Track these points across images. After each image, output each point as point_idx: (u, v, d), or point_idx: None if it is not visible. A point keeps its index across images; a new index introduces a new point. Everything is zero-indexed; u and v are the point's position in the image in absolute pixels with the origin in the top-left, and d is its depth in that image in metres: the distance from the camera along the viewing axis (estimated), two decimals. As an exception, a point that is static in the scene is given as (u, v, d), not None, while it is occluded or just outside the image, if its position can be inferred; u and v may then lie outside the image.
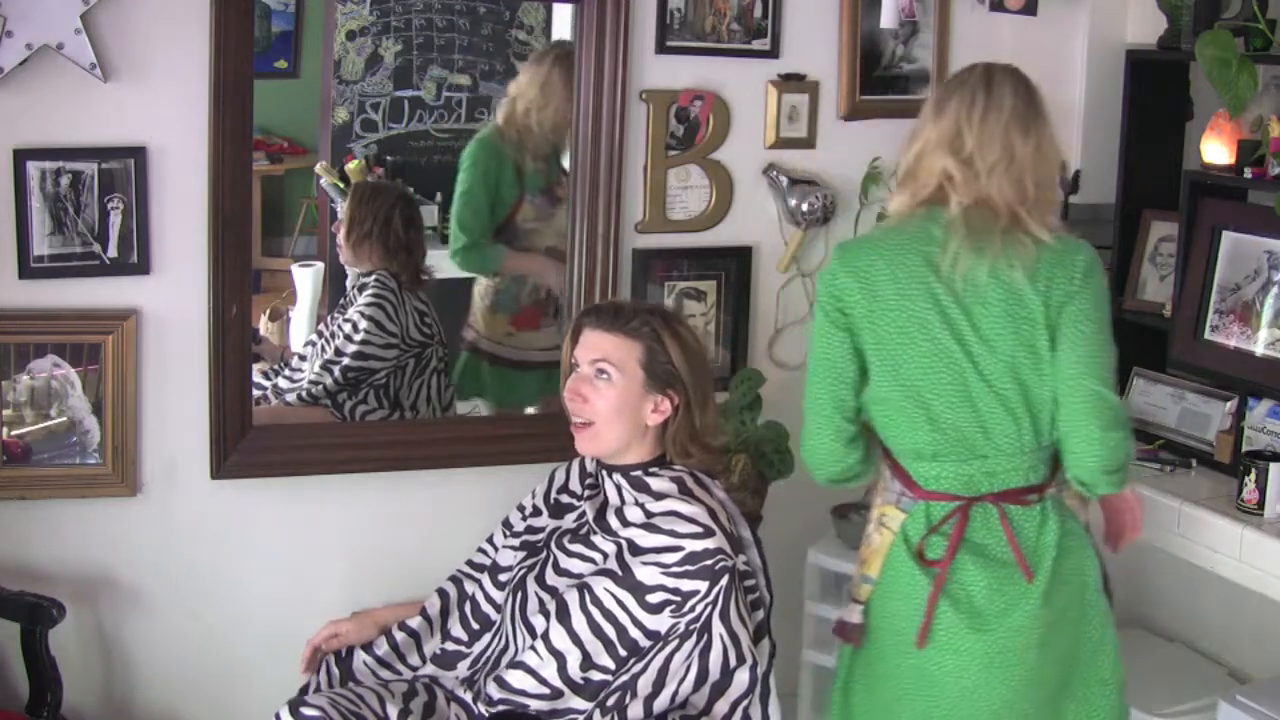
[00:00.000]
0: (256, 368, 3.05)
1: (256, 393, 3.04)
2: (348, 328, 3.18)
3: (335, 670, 2.60)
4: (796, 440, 3.09)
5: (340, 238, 3.20)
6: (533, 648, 2.37)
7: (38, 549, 2.86)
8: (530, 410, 3.38)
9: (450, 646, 2.59)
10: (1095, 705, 2.55)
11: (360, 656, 2.61)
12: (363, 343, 3.17)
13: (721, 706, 2.38)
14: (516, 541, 2.60)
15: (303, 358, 3.22)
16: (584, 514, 2.52)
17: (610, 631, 2.34)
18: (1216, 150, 3.10)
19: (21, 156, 2.71)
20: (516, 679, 2.36)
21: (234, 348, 2.86)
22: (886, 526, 2.50)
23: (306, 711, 2.32)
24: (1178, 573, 3.25)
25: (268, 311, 3.23)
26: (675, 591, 2.32)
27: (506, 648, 2.50)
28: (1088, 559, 2.52)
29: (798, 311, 3.41)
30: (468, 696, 2.48)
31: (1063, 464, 2.45)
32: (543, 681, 2.35)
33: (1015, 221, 2.39)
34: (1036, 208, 2.42)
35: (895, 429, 2.45)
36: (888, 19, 3.19)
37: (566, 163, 3.16)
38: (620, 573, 2.35)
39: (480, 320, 3.36)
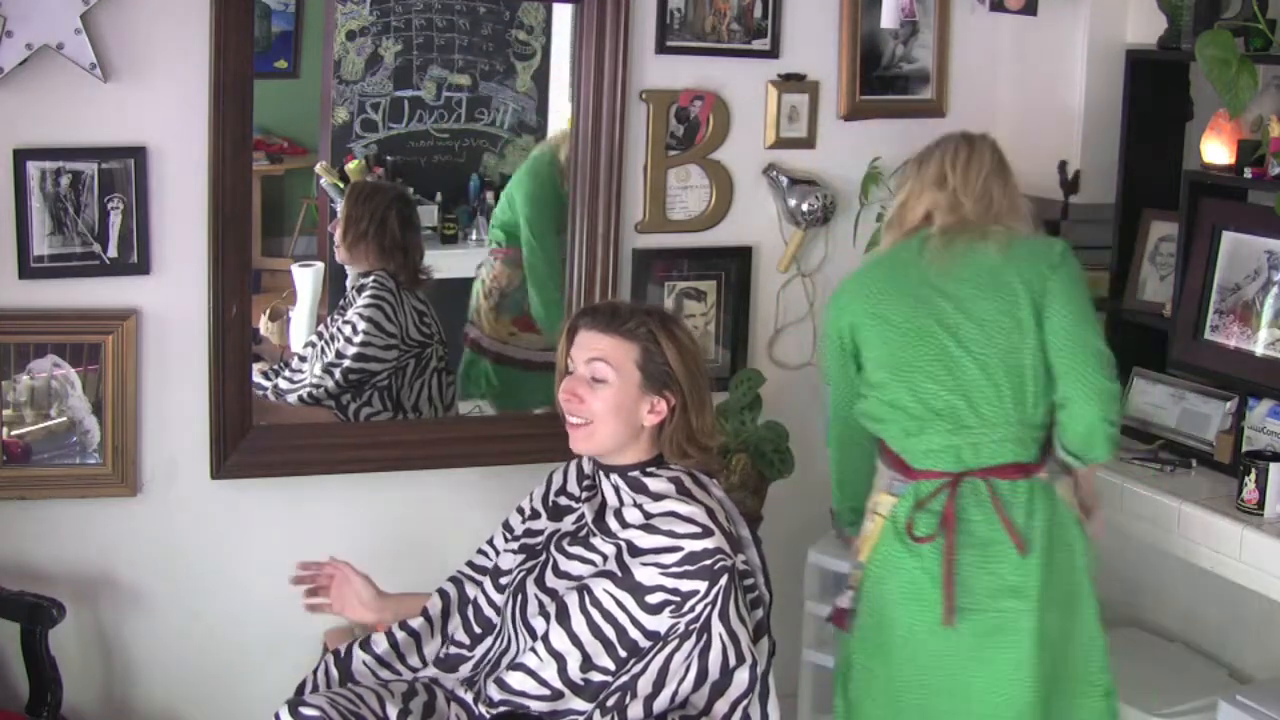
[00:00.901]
0: (256, 368, 3.06)
1: (257, 393, 3.04)
2: (347, 330, 3.18)
3: (334, 670, 2.60)
4: (796, 440, 3.11)
5: (337, 237, 3.20)
6: (533, 649, 2.37)
7: (38, 549, 2.87)
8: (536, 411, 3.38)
9: (452, 650, 2.59)
10: (1082, 706, 2.60)
11: (360, 656, 2.61)
12: (363, 344, 3.16)
13: (721, 706, 2.38)
14: (516, 545, 2.60)
15: (303, 358, 3.22)
16: (582, 516, 2.52)
17: (610, 632, 2.34)
18: (1216, 150, 3.10)
19: (21, 156, 2.72)
20: (517, 680, 2.36)
21: (234, 348, 2.86)
22: (878, 514, 2.62)
23: (306, 711, 2.31)
24: (1178, 573, 3.24)
25: (268, 311, 3.23)
26: (675, 592, 2.32)
27: (508, 649, 2.50)
28: (1079, 548, 2.59)
29: (798, 311, 3.41)
30: (468, 696, 2.48)
31: (1057, 436, 2.56)
32: (543, 683, 2.35)
33: (983, 221, 2.62)
34: (1024, 225, 2.67)
35: (887, 413, 2.60)
36: (888, 19, 3.18)
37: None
38: (620, 574, 2.35)
39: (484, 320, 3.36)
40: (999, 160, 2.68)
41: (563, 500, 2.60)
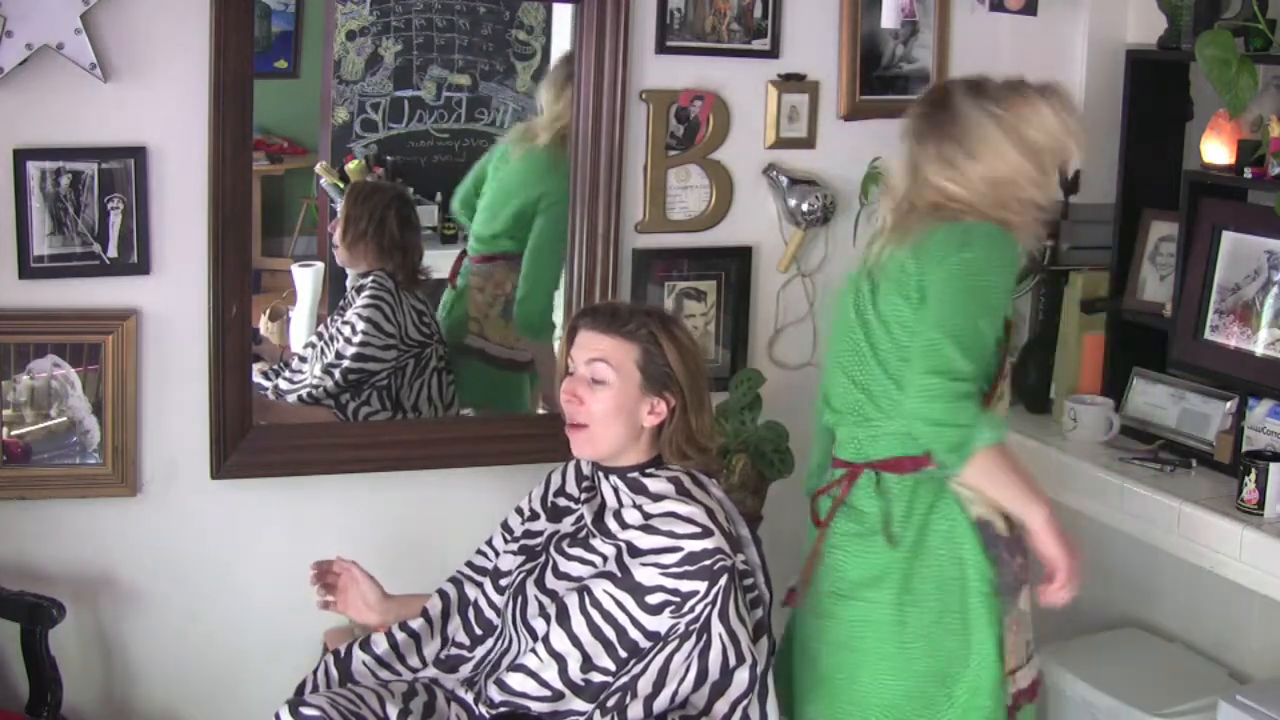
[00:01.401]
0: (256, 368, 3.05)
1: (257, 393, 3.03)
2: (346, 330, 3.18)
3: (334, 671, 2.60)
4: (796, 440, 3.11)
5: (336, 238, 3.20)
6: (533, 650, 2.37)
7: (38, 549, 2.87)
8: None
9: (453, 651, 2.59)
10: (971, 711, 2.51)
11: (359, 656, 2.61)
12: (362, 344, 3.16)
13: (721, 706, 2.38)
14: (515, 546, 2.60)
15: (303, 359, 3.22)
16: (582, 517, 2.51)
17: (610, 633, 2.34)
18: (1216, 150, 3.10)
19: (21, 156, 2.71)
20: (517, 681, 2.36)
21: (234, 348, 2.86)
22: None
23: (306, 711, 2.31)
24: (1178, 573, 3.24)
25: (268, 311, 3.23)
26: (675, 592, 2.32)
27: (508, 650, 2.50)
28: (964, 541, 2.51)
29: (798, 311, 3.41)
30: (469, 697, 2.48)
31: None
32: (543, 684, 2.35)
33: (937, 208, 2.49)
34: (993, 209, 2.48)
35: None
36: (888, 19, 3.18)
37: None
38: (619, 575, 2.35)
39: (491, 330, 3.34)
40: (977, 114, 2.46)
41: (562, 501, 2.60)
